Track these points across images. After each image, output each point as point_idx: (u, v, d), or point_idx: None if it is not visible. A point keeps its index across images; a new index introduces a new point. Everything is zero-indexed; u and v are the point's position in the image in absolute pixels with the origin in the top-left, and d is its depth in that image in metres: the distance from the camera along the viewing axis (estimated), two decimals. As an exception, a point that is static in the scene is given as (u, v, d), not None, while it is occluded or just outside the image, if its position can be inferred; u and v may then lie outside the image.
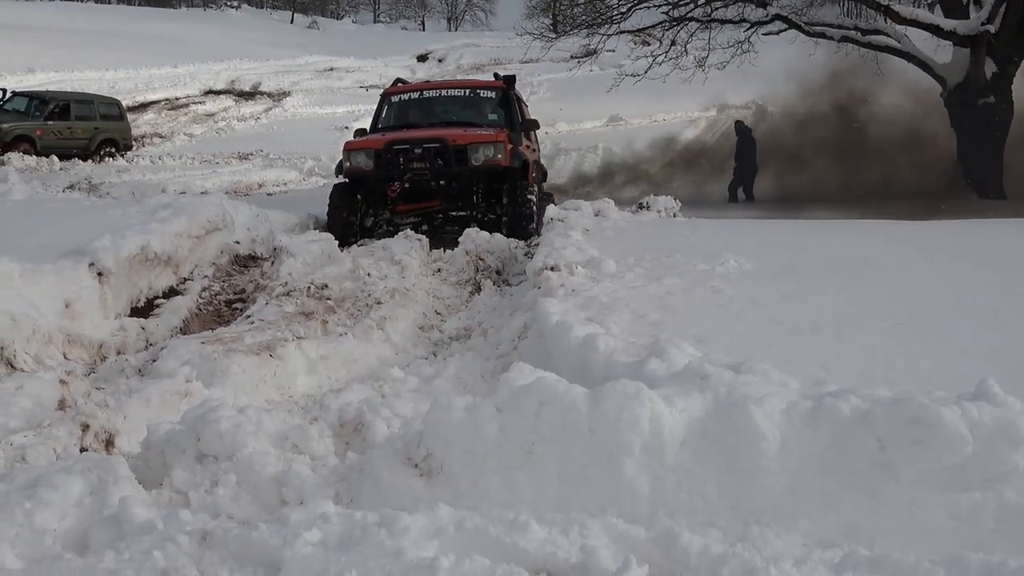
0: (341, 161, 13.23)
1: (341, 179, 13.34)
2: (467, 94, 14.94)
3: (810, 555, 3.40)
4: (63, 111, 23.87)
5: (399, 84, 15.83)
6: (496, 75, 16.06)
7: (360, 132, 14.63)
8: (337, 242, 11.14)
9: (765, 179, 21.13)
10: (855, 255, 8.53)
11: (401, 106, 14.69)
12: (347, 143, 13.42)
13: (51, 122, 23.53)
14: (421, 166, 12.45)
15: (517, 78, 15.36)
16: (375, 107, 15.28)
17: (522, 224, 12.07)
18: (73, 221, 9.76)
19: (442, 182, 12.55)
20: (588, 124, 29.80)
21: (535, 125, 14.79)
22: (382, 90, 15.82)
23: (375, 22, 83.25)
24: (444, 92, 15.21)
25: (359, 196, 12.81)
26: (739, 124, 22.07)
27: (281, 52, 48.25)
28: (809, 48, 21.41)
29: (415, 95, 14.97)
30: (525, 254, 10.86)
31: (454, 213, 12.83)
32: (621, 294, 7.42)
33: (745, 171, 20.88)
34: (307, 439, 4.70)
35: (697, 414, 3.95)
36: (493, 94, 14.67)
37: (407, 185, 12.47)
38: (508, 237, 11.64)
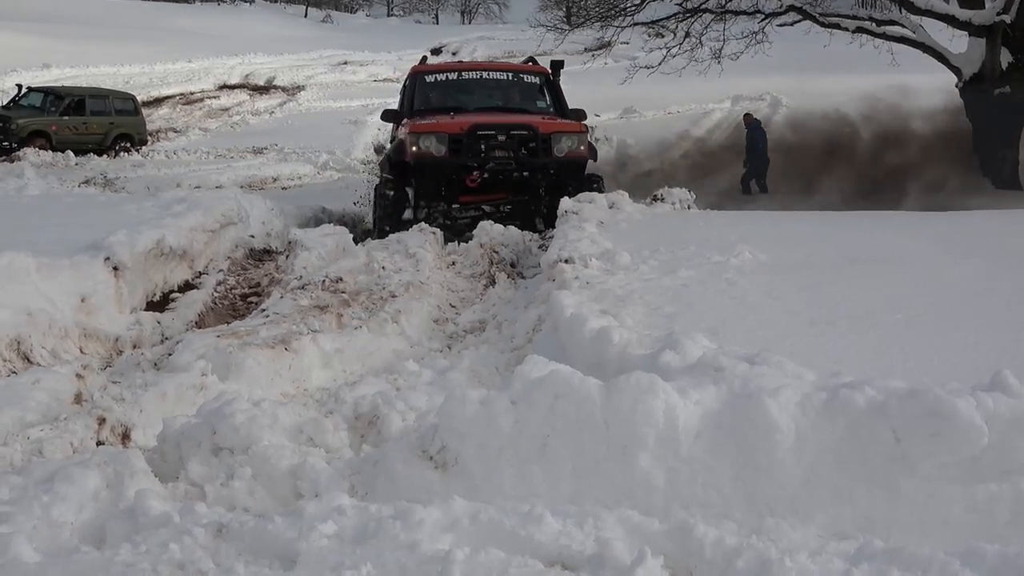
0: (398, 146, 12.05)
1: (385, 174, 12.10)
2: (511, 78, 13.75)
3: (825, 547, 3.40)
4: (78, 106, 23.94)
5: (426, 63, 14.61)
6: (532, 59, 14.93)
7: (389, 113, 13.60)
8: (351, 235, 11.02)
9: (775, 170, 21.04)
10: (871, 247, 8.50)
11: (439, 87, 13.40)
12: (414, 125, 12.04)
13: (66, 117, 23.59)
14: (504, 155, 11.47)
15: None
16: (403, 88, 13.97)
17: None
18: (89, 216, 9.81)
19: (525, 173, 11.57)
20: (602, 116, 29.72)
21: (583, 115, 13.16)
22: (407, 75, 14.39)
23: (389, 16, 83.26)
24: (487, 74, 13.92)
25: (408, 190, 11.75)
26: (748, 116, 22.00)
27: (295, 46, 48.27)
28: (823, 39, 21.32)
29: (453, 75, 13.66)
30: (539, 247, 10.83)
31: (502, 207, 11.84)
32: (635, 286, 7.40)
33: (756, 163, 20.81)
34: (322, 432, 4.71)
35: (712, 406, 3.95)
36: (538, 79, 13.57)
37: (486, 175, 11.49)
38: None
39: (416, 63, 14.80)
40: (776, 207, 15.52)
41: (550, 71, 13.68)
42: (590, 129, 12.64)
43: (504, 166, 11.44)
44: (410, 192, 11.80)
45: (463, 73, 13.73)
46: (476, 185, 11.52)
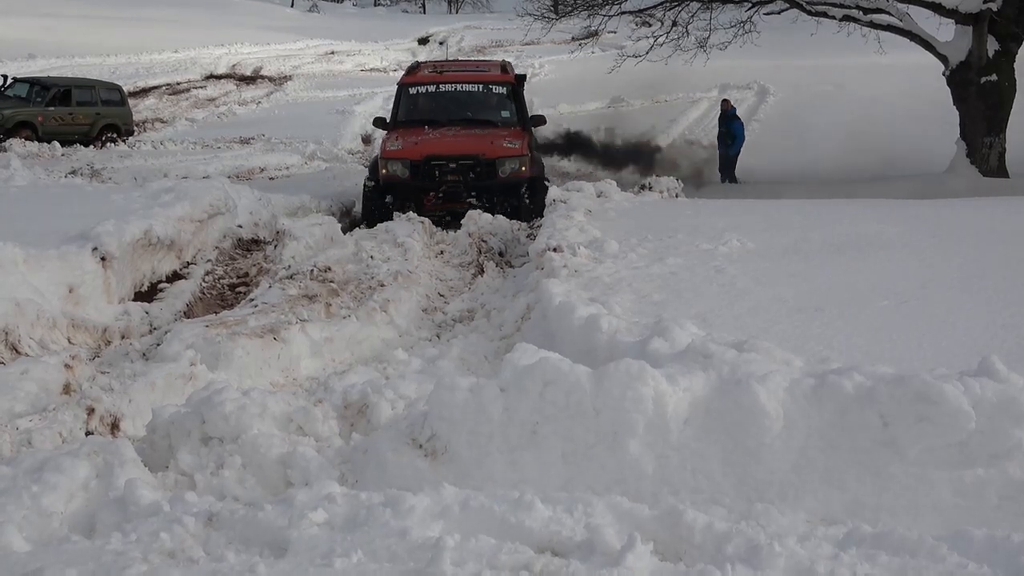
0: (375, 164, 13.74)
1: (369, 181, 13.73)
2: (481, 89, 15.43)
3: (814, 531, 3.41)
4: (64, 97, 23.75)
5: (418, 70, 16.15)
6: (505, 64, 16.41)
7: (379, 121, 15.19)
8: (339, 225, 11.14)
9: (763, 158, 21.01)
10: (860, 234, 8.51)
11: (418, 98, 15.21)
12: (385, 151, 13.89)
13: (52, 108, 23.41)
14: (455, 179, 13.09)
15: (517, 60, 15.39)
16: (386, 93, 14.94)
17: (534, 215, 12.35)
18: (76, 207, 9.77)
19: (473, 192, 13.07)
20: (591, 105, 29.66)
21: (542, 121, 15.47)
22: (390, 73, 15.68)
23: (376, 5, 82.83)
24: (460, 87, 15.66)
25: (389, 197, 13.28)
26: (726, 103, 21.92)
27: (282, 36, 47.99)
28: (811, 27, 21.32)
29: (431, 88, 15.43)
30: (528, 235, 10.83)
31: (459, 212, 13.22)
32: (624, 274, 7.41)
33: (729, 152, 20.74)
34: (312, 421, 4.71)
35: (700, 392, 3.96)
36: (504, 90, 15.17)
37: (441, 195, 13.06)
38: (524, 221, 12.19)
39: (407, 64, 15.79)
40: (761, 195, 15.46)
41: (515, 81, 15.32)
42: (531, 142, 14.41)
43: (454, 188, 13.15)
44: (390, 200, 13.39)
45: (440, 86, 15.46)
46: (431, 204, 13.09)
